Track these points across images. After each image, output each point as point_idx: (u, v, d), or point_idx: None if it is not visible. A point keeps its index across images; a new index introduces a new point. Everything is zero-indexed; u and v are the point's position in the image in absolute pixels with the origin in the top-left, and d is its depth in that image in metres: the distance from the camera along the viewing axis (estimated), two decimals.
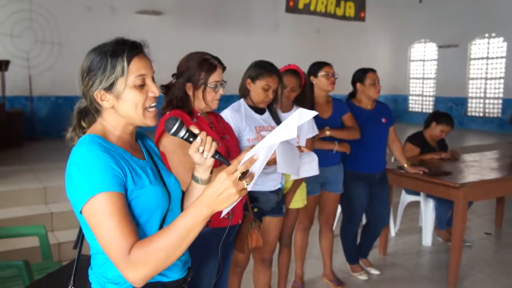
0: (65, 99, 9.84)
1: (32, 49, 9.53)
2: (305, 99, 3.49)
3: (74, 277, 1.67)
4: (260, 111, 3.03)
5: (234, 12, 11.86)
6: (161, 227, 1.52)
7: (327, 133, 3.69)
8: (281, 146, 2.55)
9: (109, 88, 1.47)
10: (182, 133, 1.50)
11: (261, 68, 2.93)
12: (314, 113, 1.37)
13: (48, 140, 9.24)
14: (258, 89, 2.93)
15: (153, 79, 1.53)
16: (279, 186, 3.09)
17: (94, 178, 1.35)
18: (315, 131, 3.51)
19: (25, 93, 9.53)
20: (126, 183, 1.42)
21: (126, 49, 1.47)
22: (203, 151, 1.51)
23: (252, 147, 1.37)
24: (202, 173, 1.62)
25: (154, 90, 1.52)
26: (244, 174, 1.33)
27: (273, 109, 3.07)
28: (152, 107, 1.53)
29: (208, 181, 1.63)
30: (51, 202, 5.20)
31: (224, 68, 2.40)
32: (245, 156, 1.35)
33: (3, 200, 5.06)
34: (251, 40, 11.77)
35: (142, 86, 1.49)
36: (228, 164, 1.42)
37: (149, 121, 1.53)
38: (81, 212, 1.39)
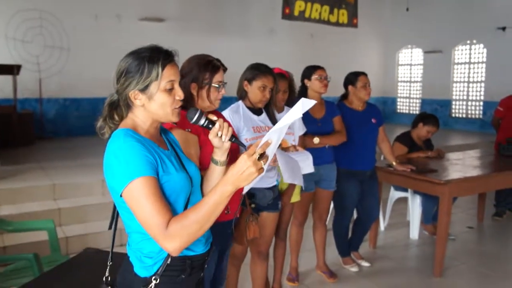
0: (72, 101, 9.83)
1: (42, 54, 9.49)
2: (293, 98, 3.49)
3: (111, 253, 1.81)
4: (257, 112, 3.02)
5: (232, 18, 11.83)
6: (185, 207, 1.64)
7: (316, 142, 3.67)
8: (283, 159, 2.58)
9: (143, 90, 1.59)
10: (202, 121, 1.65)
11: (256, 70, 2.95)
12: (313, 101, 1.52)
13: (56, 139, 9.25)
14: (255, 90, 2.93)
15: (179, 84, 1.66)
16: (274, 183, 3.08)
17: (132, 165, 1.48)
18: (304, 129, 3.52)
19: (35, 95, 9.48)
20: (157, 169, 1.55)
21: (161, 56, 1.60)
22: (221, 135, 1.65)
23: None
24: (220, 155, 1.76)
25: (180, 94, 1.64)
26: (261, 156, 1.47)
27: (270, 110, 3.06)
28: (177, 108, 1.65)
29: (225, 163, 1.78)
30: (59, 198, 5.17)
31: (225, 69, 2.41)
32: (262, 141, 1.48)
33: (15, 196, 5.03)
34: (248, 45, 11.74)
35: (171, 90, 1.62)
36: (243, 146, 1.64)
37: (174, 118, 1.65)
38: (121, 196, 1.51)
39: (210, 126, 1.65)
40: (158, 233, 1.46)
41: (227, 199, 1.47)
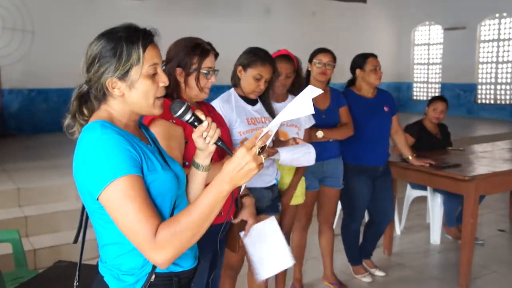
0: (38, 92, 9.80)
1: (0, 38, 9.44)
2: (300, 86, 3.49)
3: (78, 273, 1.79)
4: (252, 101, 3.03)
5: None
6: (172, 211, 1.63)
7: (319, 136, 3.69)
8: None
9: (123, 76, 1.55)
10: (188, 116, 1.62)
11: (254, 56, 2.93)
12: (319, 90, 1.54)
13: (21, 137, 9.21)
14: (249, 78, 2.92)
15: (164, 70, 1.63)
16: (274, 182, 3.09)
17: (114, 162, 1.44)
18: (312, 121, 3.53)
19: None
20: (142, 166, 1.52)
21: (140, 36, 1.56)
22: (206, 137, 1.63)
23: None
24: (203, 159, 1.73)
25: (164, 80, 1.62)
26: (262, 150, 1.47)
27: (266, 99, 3.07)
28: (160, 97, 1.63)
29: (209, 168, 1.76)
30: (25, 204, 5.16)
31: (216, 54, 2.43)
32: (262, 132, 1.49)
33: None
34: (241, 26, 11.74)
35: (154, 75, 1.59)
36: (230, 152, 1.59)
37: (156, 111, 1.63)
38: (98, 199, 1.46)
39: (196, 124, 1.63)
40: (145, 243, 1.42)
41: (224, 200, 1.46)
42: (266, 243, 2.76)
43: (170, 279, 1.63)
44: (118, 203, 1.43)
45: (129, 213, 1.43)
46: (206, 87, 2.39)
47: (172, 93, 2.36)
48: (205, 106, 2.59)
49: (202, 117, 1.62)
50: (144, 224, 1.42)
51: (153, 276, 1.57)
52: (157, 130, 2.17)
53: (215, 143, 1.64)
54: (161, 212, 1.57)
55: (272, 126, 1.52)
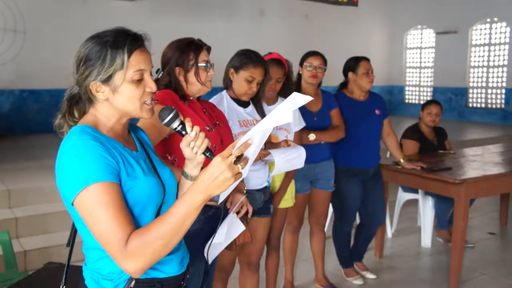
0: (30, 93, 9.75)
1: None
2: (290, 89, 3.49)
3: (65, 275, 1.77)
4: (244, 103, 3.04)
5: None
6: (156, 217, 1.58)
7: (312, 138, 3.70)
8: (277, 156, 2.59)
9: (106, 81, 1.53)
10: (175, 124, 1.58)
11: (246, 58, 2.94)
12: (308, 98, 1.45)
13: (12, 138, 9.14)
14: (241, 80, 2.94)
15: (151, 74, 1.61)
16: (265, 184, 3.09)
17: (87, 168, 1.42)
18: (302, 124, 3.53)
19: None
20: (120, 173, 1.49)
21: (127, 41, 1.54)
22: (193, 146, 1.58)
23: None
24: (192, 169, 1.69)
25: (151, 86, 1.58)
26: (239, 158, 1.42)
27: (258, 101, 3.08)
28: (148, 102, 1.60)
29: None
30: (15, 205, 5.13)
31: (208, 49, 2.51)
32: (240, 141, 1.44)
33: None
34: (234, 28, 11.74)
35: (139, 81, 1.56)
36: None
37: (146, 114, 1.60)
38: (72, 204, 1.45)
39: (184, 132, 1.58)
40: (117, 251, 1.40)
41: (198, 210, 1.43)
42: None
43: (151, 285, 1.60)
44: (91, 209, 1.42)
45: (101, 220, 1.41)
46: (207, 80, 2.45)
47: (177, 93, 2.43)
48: (207, 103, 2.65)
49: (188, 128, 1.57)
50: (115, 232, 1.39)
51: (133, 282, 1.54)
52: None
53: (203, 153, 1.58)
54: (140, 221, 1.55)
55: (253, 134, 1.44)
